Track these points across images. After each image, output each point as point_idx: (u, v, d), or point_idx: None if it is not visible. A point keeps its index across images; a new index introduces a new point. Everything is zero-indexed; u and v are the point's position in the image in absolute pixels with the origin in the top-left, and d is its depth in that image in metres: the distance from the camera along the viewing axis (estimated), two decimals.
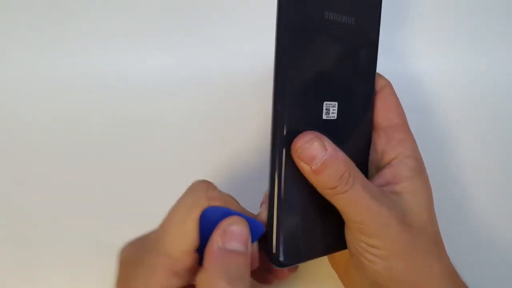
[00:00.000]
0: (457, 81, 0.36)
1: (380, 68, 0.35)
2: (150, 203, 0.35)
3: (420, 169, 0.25)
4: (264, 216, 0.22)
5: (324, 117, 0.22)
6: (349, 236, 0.23)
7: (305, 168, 0.21)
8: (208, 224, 0.21)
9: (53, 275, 0.34)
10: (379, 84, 0.26)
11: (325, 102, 0.22)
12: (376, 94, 0.26)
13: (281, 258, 0.21)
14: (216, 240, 0.20)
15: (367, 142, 0.26)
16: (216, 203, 0.21)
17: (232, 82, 0.35)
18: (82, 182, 0.35)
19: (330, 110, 0.23)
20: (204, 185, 0.22)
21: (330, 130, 0.22)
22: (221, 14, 0.36)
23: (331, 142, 0.21)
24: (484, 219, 0.35)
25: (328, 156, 0.21)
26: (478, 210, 0.35)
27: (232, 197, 0.23)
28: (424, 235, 0.23)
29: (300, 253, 0.23)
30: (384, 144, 0.25)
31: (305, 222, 0.23)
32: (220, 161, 0.35)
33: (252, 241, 0.21)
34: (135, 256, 0.22)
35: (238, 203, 0.23)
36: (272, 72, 0.21)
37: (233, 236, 0.20)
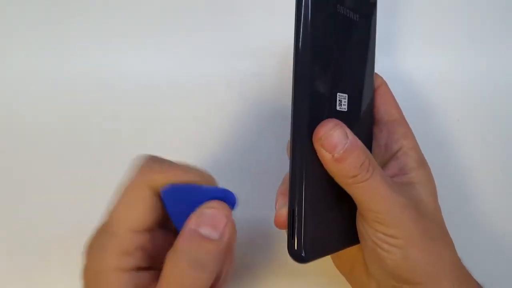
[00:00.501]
0: (457, 81, 0.36)
1: (380, 68, 0.35)
2: None
3: (424, 160, 0.26)
4: (284, 212, 0.22)
5: (338, 108, 0.23)
6: (365, 228, 0.23)
7: (326, 157, 0.21)
8: (179, 205, 0.20)
9: (53, 275, 0.34)
10: (376, 82, 0.27)
11: (338, 93, 0.23)
12: (375, 91, 0.27)
13: (304, 254, 0.21)
14: (192, 221, 0.20)
15: (370, 136, 0.27)
16: (172, 179, 0.21)
17: (233, 81, 0.35)
18: (82, 182, 0.35)
19: (342, 101, 0.23)
20: (147, 161, 0.22)
21: (342, 121, 0.23)
22: (221, 14, 0.36)
23: (350, 130, 0.22)
24: (484, 219, 0.35)
25: (349, 144, 0.21)
26: (478, 210, 0.35)
27: (185, 165, 0.22)
28: (435, 224, 0.24)
29: (320, 248, 0.23)
30: (387, 138, 0.26)
31: (323, 217, 0.23)
32: (221, 161, 0.35)
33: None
34: (93, 240, 0.22)
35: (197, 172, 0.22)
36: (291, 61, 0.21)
37: (208, 221, 0.20)
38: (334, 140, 0.21)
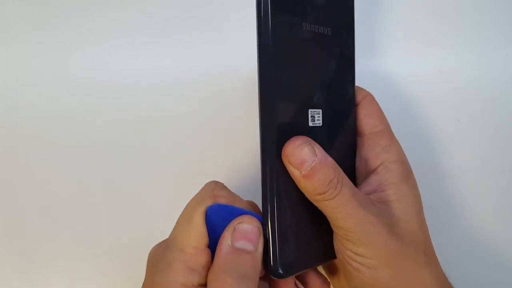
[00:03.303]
0: (457, 81, 0.36)
1: (380, 68, 0.35)
2: (149, 203, 0.35)
3: (406, 174, 0.25)
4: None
5: (310, 124, 0.23)
6: (336, 244, 0.23)
7: (295, 173, 0.21)
8: (216, 221, 0.21)
9: (53, 275, 0.34)
10: (360, 95, 0.27)
11: (310, 110, 0.23)
12: (358, 104, 0.27)
13: (280, 271, 0.21)
14: (226, 237, 0.21)
15: (353, 150, 0.26)
16: (222, 201, 0.22)
17: (234, 81, 0.35)
18: (82, 182, 0.35)
19: (315, 117, 0.23)
20: (212, 185, 0.23)
21: (316, 136, 0.23)
22: (222, 15, 0.36)
23: (320, 147, 0.22)
24: (483, 219, 0.35)
25: (317, 161, 0.21)
26: (478, 210, 0.35)
27: (239, 196, 0.23)
28: (413, 244, 0.23)
29: (297, 263, 0.23)
30: (368, 151, 0.25)
31: (299, 232, 0.23)
32: (222, 160, 0.35)
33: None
34: (158, 254, 0.22)
35: (245, 202, 0.24)
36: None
37: (242, 235, 0.20)
38: (301, 157, 0.21)
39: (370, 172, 0.25)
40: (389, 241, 0.22)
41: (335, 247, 0.24)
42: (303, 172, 0.21)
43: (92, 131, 0.35)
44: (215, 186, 0.23)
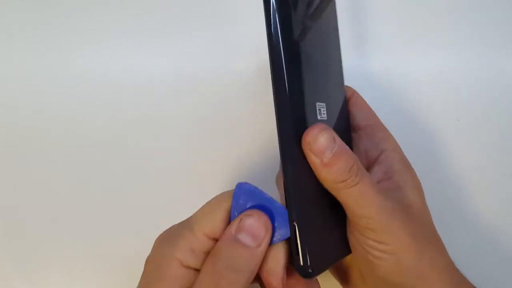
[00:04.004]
0: (457, 81, 0.36)
1: (380, 69, 0.35)
2: (150, 203, 0.35)
3: (407, 162, 0.26)
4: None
5: (318, 117, 0.23)
6: (355, 235, 0.23)
7: (316, 161, 0.21)
8: (239, 200, 0.21)
9: (53, 275, 0.34)
10: (348, 92, 0.28)
11: (317, 103, 0.23)
12: (349, 100, 0.27)
13: (310, 269, 0.21)
14: (232, 225, 0.21)
15: (350, 144, 0.27)
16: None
17: (234, 81, 0.35)
18: (82, 182, 0.35)
19: (321, 110, 0.23)
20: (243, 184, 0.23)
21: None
22: (222, 15, 0.36)
23: (337, 135, 0.22)
24: (483, 219, 0.35)
25: (337, 148, 0.21)
26: (478, 210, 0.35)
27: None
28: (425, 226, 0.24)
29: (322, 261, 0.23)
30: (367, 143, 0.26)
31: (321, 229, 0.23)
32: (223, 161, 0.35)
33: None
34: (170, 230, 0.23)
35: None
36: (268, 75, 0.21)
37: (247, 228, 0.21)
38: (323, 144, 0.21)
39: (372, 163, 0.26)
40: (407, 225, 0.22)
41: (352, 240, 0.23)
42: (324, 159, 0.21)
43: (92, 131, 0.35)
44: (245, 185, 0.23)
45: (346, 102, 0.27)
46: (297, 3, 0.22)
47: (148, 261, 0.22)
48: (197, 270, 0.21)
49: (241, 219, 0.21)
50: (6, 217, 0.34)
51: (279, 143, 0.21)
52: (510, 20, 0.36)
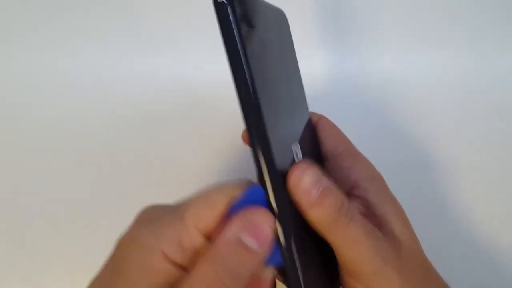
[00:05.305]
0: (456, 81, 0.36)
1: (379, 69, 0.35)
2: (148, 202, 0.35)
3: (383, 188, 0.23)
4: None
5: (296, 159, 0.20)
6: (346, 280, 0.22)
7: (304, 202, 0.19)
8: (246, 201, 0.19)
9: (53, 275, 0.34)
10: (315, 117, 0.26)
11: (292, 144, 0.20)
12: (316, 127, 0.25)
13: None
14: (236, 225, 0.18)
15: None
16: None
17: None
18: (82, 182, 0.35)
19: (298, 152, 0.21)
20: (243, 179, 0.20)
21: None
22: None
23: (321, 170, 0.20)
24: (483, 219, 0.35)
25: (325, 185, 0.19)
26: (478, 210, 0.35)
27: None
28: (414, 260, 0.22)
29: None
30: (339, 176, 0.24)
31: (314, 263, 0.21)
32: (223, 162, 0.35)
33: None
34: (156, 211, 0.20)
35: None
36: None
37: (253, 230, 0.18)
38: (309, 182, 0.19)
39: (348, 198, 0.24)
40: (402, 268, 0.21)
41: (344, 282, 0.22)
42: (312, 198, 0.19)
43: (91, 131, 0.35)
44: (247, 182, 0.20)
45: (314, 129, 0.25)
46: (252, 25, 0.18)
47: (122, 242, 0.20)
48: (181, 268, 0.19)
49: (245, 216, 0.18)
50: (6, 217, 0.34)
51: (269, 187, 0.19)
52: (509, 21, 0.36)
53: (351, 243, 0.20)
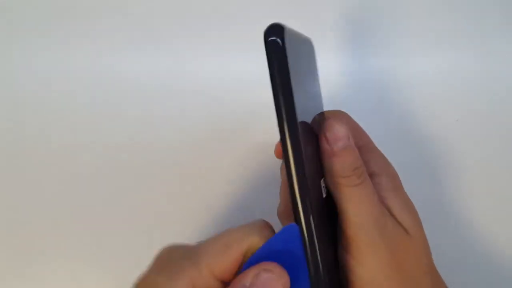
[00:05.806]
0: (456, 81, 0.36)
1: (379, 68, 0.35)
2: (150, 204, 0.35)
3: (396, 184, 0.24)
4: None
5: (324, 195, 0.21)
6: (343, 257, 0.22)
7: (327, 148, 0.21)
8: (291, 243, 0.19)
9: (53, 275, 0.34)
10: (330, 113, 0.26)
11: (321, 181, 0.21)
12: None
13: None
14: (247, 277, 0.19)
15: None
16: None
17: (238, 86, 0.35)
18: (82, 182, 0.35)
19: (323, 186, 0.22)
20: (261, 223, 0.21)
21: (326, 208, 0.21)
22: (224, 17, 0.36)
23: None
24: (484, 218, 0.35)
25: (350, 144, 0.21)
26: (478, 210, 0.35)
27: None
28: (418, 257, 0.23)
29: None
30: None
31: (332, 272, 0.21)
32: (223, 162, 0.35)
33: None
34: (174, 254, 0.21)
35: None
36: None
37: (264, 285, 0.18)
38: (338, 133, 0.21)
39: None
40: (397, 252, 0.21)
41: (342, 263, 0.22)
42: (335, 148, 0.21)
43: (93, 131, 0.35)
44: (264, 226, 0.21)
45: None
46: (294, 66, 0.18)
47: (138, 286, 0.20)
48: None
49: (258, 273, 0.18)
50: (6, 217, 0.34)
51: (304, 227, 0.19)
52: (510, 20, 0.36)
53: (356, 202, 0.21)
